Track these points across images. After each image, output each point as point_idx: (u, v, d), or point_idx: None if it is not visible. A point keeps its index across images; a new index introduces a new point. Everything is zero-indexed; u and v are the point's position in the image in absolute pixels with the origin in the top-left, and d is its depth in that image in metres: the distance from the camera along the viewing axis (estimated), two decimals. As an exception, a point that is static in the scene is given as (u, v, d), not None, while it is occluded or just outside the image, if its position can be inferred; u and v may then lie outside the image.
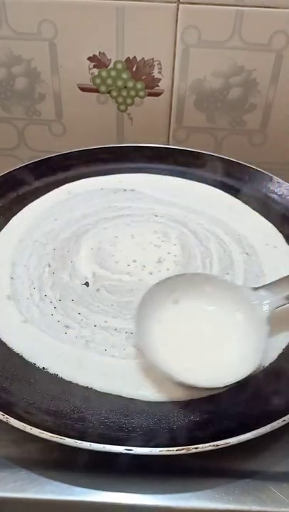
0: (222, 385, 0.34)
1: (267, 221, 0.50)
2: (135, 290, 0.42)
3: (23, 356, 0.37)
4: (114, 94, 0.61)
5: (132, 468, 0.32)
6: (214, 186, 0.54)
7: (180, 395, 0.35)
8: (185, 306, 0.39)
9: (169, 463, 0.32)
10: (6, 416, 0.32)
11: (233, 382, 0.34)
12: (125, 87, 0.60)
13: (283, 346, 0.39)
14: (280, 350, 0.38)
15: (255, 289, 0.39)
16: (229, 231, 0.49)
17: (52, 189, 0.54)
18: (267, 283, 0.40)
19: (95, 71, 0.59)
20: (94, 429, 0.33)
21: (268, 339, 0.36)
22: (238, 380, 0.34)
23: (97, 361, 0.37)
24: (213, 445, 0.31)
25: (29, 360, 0.37)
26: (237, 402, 0.35)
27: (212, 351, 0.36)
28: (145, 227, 0.49)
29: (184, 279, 0.39)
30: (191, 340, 0.37)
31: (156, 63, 0.58)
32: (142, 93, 0.61)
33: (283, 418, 0.32)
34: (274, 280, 0.39)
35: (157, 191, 0.54)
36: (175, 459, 0.31)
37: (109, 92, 0.61)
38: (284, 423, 0.32)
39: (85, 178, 0.56)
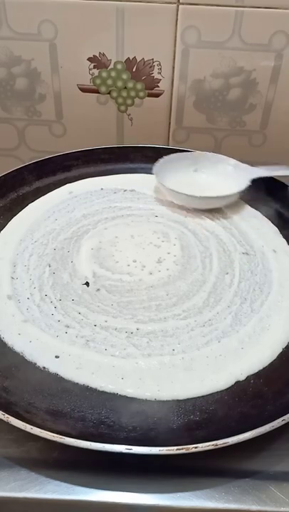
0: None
1: (267, 221, 0.50)
2: (135, 290, 0.42)
3: (24, 356, 0.37)
4: (115, 94, 0.61)
5: (132, 467, 0.32)
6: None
7: (180, 395, 0.35)
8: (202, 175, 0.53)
9: (168, 462, 0.33)
10: (7, 415, 0.32)
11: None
12: (125, 88, 0.60)
13: (283, 346, 0.39)
14: (280, 349, 0.38)
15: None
16: (229, 231, 0.49)
17: (52, 189, 0.54)
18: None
19: (95, 71, 0.59)
20: (94, 429, 0.33)
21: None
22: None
23: (97, 361, 0.37)
24: (213, 445, 0.31)
25: (29, 359, 0.37)
26: (237, 402, 0.35)
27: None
28: (145, 227, 0.49)
29: (204, 156, 0.54)
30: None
31: (156, 64, 0.58)
32: (141, 94, 0.61)
33: (283, 418, 0.32)
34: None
35: (157, 191, 0.54)
36: (175, 458, 0.31)
37: (109, 93, 0.61)
38: (284, 423, 0.32)
39: (85, 178, 0.56)
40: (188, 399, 0.35)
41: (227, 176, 0.53)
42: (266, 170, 0.52)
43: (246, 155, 0.57)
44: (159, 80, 0.60)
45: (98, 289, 0.42)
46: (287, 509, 0.31)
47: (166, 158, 0.53)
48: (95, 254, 0.46)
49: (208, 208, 0.51)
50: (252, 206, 0.52)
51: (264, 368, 0.37)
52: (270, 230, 0.49)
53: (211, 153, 0.55)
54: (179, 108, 0.61)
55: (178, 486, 0.32)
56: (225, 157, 0.54)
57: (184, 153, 0.55)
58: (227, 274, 0.44)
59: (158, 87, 0.60)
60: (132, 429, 0.33)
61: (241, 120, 0.62)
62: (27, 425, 0.32)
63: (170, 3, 0.54)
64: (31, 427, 0.31)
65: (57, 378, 0.36)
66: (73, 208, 0.51)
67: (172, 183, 0.51)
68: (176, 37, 0.56)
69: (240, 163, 0.53)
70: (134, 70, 0.59)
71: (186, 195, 0.50)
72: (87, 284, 0.43)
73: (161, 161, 0.53)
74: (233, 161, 0.53)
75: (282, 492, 0.32)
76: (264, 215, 0.51)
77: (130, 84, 0.60)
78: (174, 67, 0.58)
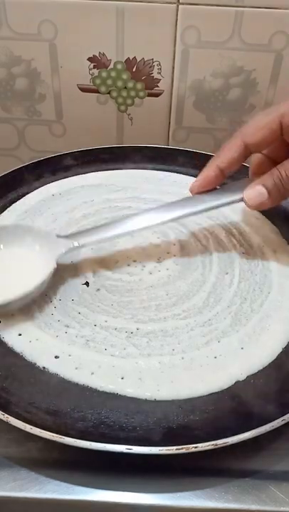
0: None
1: (267, 221, 0.50)
2: (135, 290, 0.42)
3: (24, 356, 0.37)
4: (114, 94, 0.61)
5: (132, 467, 0.32)
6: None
7: (180, 395, 0.35)
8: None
9: (168, 462, 0.33)
10: (6, 415, 0.32)
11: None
12: (125, 88, 0.60)
13: (283, 346, 0.39)
14: (280, 349, 0.38)
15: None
16: (228, 231, 0.49)
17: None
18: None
19: (95, 71, 0.59)
20: (94, 429, 0.33)
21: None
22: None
23: (97, 361, 0.37)
24: (213, 445, 0.31)
25: (29, 359, 0.37)
26: (237, 401, 0.35)
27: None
28: (145, 227, 0.49)
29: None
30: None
31: (155, 64, 0.58)
32: (141, 93, 0.61)
33: (283, 417, 0.32)
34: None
35: (157, 191, 0.54)
36: (175, 458, 0.31)
37: (109, 93, 0.61)
38: (283, 422, 0.32)
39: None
40: (188, 399, 0.35)
41: (29, 252, 0.43)
42: (72, 240, 0.43)
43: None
44: (158, 80, 0.60)
45: (98, 289, 0.42)
46: (287, 509, 0.31)
47: None
48: (94, 254, 0.46)
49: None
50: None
51: (264, 368, 0.37)
52: (270, 230, 0.49)
53: (13, 225, 0.46)
54: (179, 108, 0.61)
55: (178, 486, 0.32)
56: (31, 228, 0.45)
57: None
58: (227, 274, 0.44)
59: (158, 87, 0.60)
60: (132, 429, 0.33)
61: (241, 120, 0.62)
62: (27, 425, 0.32)
63: (170, 3, 0.54)
64: (31, 426, 0.31)
65: (57, 378, 0.36)
66: (73, 208, 0.51)
67: None
68: (176, 37, 0.56)
69: (49, 234, 0.43)
70: (134, 69, 0.59)
71: None
72: (87, 284, 0.43)
73: None
74: (42, 233, 0.44)
75: (282, 492, 0.32)
76: (263, 215, 0.51)
77: (130, 84, 0.60)
78: (173, 67, 0.59)
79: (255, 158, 0.44)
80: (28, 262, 0.42)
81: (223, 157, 0.43)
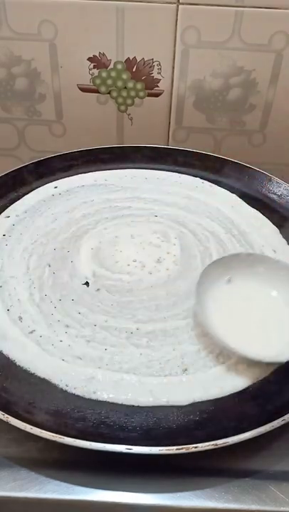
0: (284, 360, 0.34)
1: (267, 221, 0.50)
2: (135, 290, 0.42)
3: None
4: (114, 94, 0.61)
5: (132, 467, 0.32)
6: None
7: (181, 394, 0.35)
8: (238, 285, 0.41)
9: (168, 462, 0.33)
10: (6, 415, 0.32)
11: None
12: (125, 88, 0.60)
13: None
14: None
15: None
16: (228, 231, 0.49)
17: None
18: None
19: (95, 71, 0.59)
20: (94, 429, 0.33)
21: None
22: None
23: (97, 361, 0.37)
24: (213, 444, 0.31)
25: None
26: (237, 402, 0.35)
27: (264, 329, 0.38)
28: (145, 227, 0.49)
29: (238, 258, 0.41)
30: (247, 317, 0.38)
31: (156, 64, 0.58)
32: (141, 93, 0.61)
33: (283, 418, 0.32)
34: None
35: (157, 191, 0.54)
36: (175, 458, 0.31)
37: (109, 93, 0.61)
38: (284, 422, 0.32)
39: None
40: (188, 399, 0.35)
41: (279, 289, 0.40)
42: None
43: (246, 155, 0.58)
44: (158, 80, 0.60)
45: (98, 289, 0.42)
46: (287, 509, 0.31)
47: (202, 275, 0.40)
48: (94, 254, 0.46)
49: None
50: (251, 206, 0.52)
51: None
52: (270, 230, 0.49)
53: (245, 254, 0.42)
54: (179, 108, 0.61)
55: (178, 486, 0.32)
56: (265, 257, 0.42)
57: (216, 262, 0.41)
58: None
59: (158, 87, 0.60)
60: (132, 429, 0.33)
61: (241, 120, 0.62)
62: (27, 425, 0.32)
63: (170, 3, 0.54)
64: (31, 426, 0.31)
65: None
66: (73, 208, 0.51)
67: (212, 314, 0.38)
68: (176, 37, 0.56)
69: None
70: (134, 69, 0.59)
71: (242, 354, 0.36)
72: (87, 284, 0.43)
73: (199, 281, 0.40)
74: (281, 262, 0.41)
75: (282, 491, 0.32)
76: (264, 215, 0.51)
77: (130, 84, 0.60)
78: (173, 67, 0.58)
79: None
80: (273, 310, 0.38)
81: None
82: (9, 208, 0.51)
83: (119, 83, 0.60)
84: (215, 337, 0.36)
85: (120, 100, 0.61)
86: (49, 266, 0.44)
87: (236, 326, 0.37)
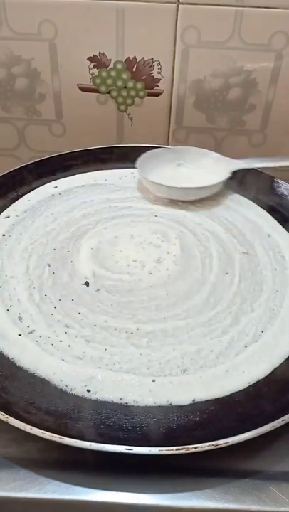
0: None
1: (267, 221, 0.50)
2: (135, 290, 0.42)
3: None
4: (114, 94, 0.61)
5: (131, 467, 0.32)
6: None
7: (181, 394, 0.35)
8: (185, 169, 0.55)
9: (168, 462, 0.32)
10: (6, 416, 0.32)
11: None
12: (125, 87, 0.60)
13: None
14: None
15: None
16: (229, 231, 0.49)
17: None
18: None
19: (95, 71, 0.59)
20: (94, 429, 0.33)
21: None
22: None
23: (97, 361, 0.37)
24: (213, 445, 0.31)
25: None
26: (237, 402, 0.35)
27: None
28: (145, 227, 0.49)
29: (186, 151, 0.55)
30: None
31: (156, 63, 0.58)
32: (141, 93, 0.61)
33: (283, 418, 0.32)
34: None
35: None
36: (175, 458, 0.31)
37: (109, 92, 0.61)
38: (284, 423, 0.32)
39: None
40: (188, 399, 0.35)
41: (209, 169, 0.54)
42: (246, 162, 0.53)
43: (246, 155, 0.57)
44: (158, 80, 0.60)
45: (98, 289, 0.42)
46: (287, 509, 0.31)
47: (149, 153, 0.54)
48: (94, 254, 0.46)
49: (190, 199, 0.52)
50: (251, 206, 0.52)
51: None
52: (270, 230, 0.49)
53: (194, 148, 0.55)
54: (179, 108, 0.61)
55: (178, 486, 0.32)
56: (207, 151, 0.55)
57: (167, 148, 0.57)
58: (227, 274, 0.44)
59: (158, 86, 0.60)
60: (132, 429, 0.33)
61: (241, 120, 0.62)
62: (27, 425, 0.32)
63: (170, 3, 0.54)
64: (31, 427, 0.31)
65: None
66: (73, 207, 0.51)
67: (155, 177, 0.52)
68: (176, 37, 0.56)
69: (222, 157, 0.54)
70: (134, 69, 0.59)
71: (166, 186, 0.51)
72: (87, 284, 0.43)
73: (144, 155, 0.54)
74: (215, 154, 0.55)
75: (282, 492, 0.32)
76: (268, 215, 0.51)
77: (130, 84, 0.60)
78: (173, 67, 0.58)
79: None
80: (206, 173, 0.53)
81: None
82: (9, 208, 0.51)
83: (119, 83, 0.60)
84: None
85: (120, 100, 0.61)
86: (49, 266, 0.44)
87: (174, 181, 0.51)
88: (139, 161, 0.53)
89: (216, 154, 0.55)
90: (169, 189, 0.51)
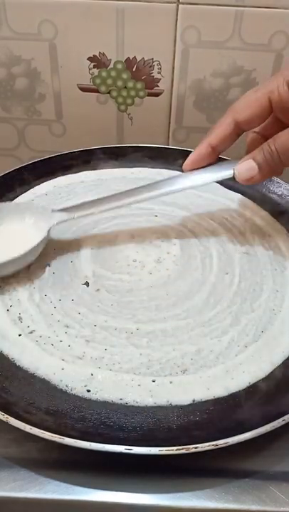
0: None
1: (267, 221, 0.50)
2: (135, 290, 0.42)
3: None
4: (114, 94, 0.61)
5: (131, 467, 0.32)
6: (214, 186, 0.55)
7: (181, 394, 0.35)
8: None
9: (168, 462, 0.33)
10: (6, 416, 0.32)
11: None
12: (125, 87, 0.60)
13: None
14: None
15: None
16: (229, 231, 0.49)
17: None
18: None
19: (95, 71, 0.59)
20: (94, 429, 0.33)
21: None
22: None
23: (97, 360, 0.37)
24: (213, 445, 0.31)
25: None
26: (237, 402, 0.35)
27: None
28: (145, 227, 0.49)
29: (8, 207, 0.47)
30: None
31: (156, 63, 0.58)
32: (141, 93, 0.61)
33: (283, 418, 0.32)
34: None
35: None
36: (175, 458, 0.31)
37: (109, 92, 0.61)
38: (284, 423, 0.32)
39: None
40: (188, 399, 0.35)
41: (26, 226, 0.45)
42: (67, 213, 0.45)
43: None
44: (158, 80, 0.60)
45: (98, 289, 0.42)
46: (287, 509, 0.31)
47: None
48: (94, 254, 0.46)
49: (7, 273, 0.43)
50: (251, 206, 0.52)
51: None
52: (272, 230, 0.49)
53: (6, 204, 0.48)
54: (179, 108, 0.61)
55: (178, 486, 0.32)
56: (27, 204, 0.48)
57: None
58: (227, 274, 0.44)
59: (158, 86, 0.60)
60: (132, 429, 0.33)
61: (241, 120, 0.62)
62: (26, 425, 0.32)
63: (170, 2, 0.54)
64: (31, 427, 0.31)
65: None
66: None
67: None
68: (176, 37, 0.56)
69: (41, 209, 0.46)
70: (134, 69, 0.59)
71: None
72: (87, 284, 0.43)
73: None
74: (35, 207, 0.47)
75: (282, 492, 0.32)
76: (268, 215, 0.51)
77: (130, 84, 0.60)
78: (173, 67, 0.59)
79: (250, 137, 0.45)
80: (23, 234, 0.44)
81: (215, 135, 0.44)
82: (9, 207, 0.51)
83: (119, 83, 0.60)
84: None
85: (120, 100, 0.61)
86: (49, 266, 0.44)
87: None
88: None
89: (34, 208, 0.46)
90: None
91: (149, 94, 0.61)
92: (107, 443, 0.31)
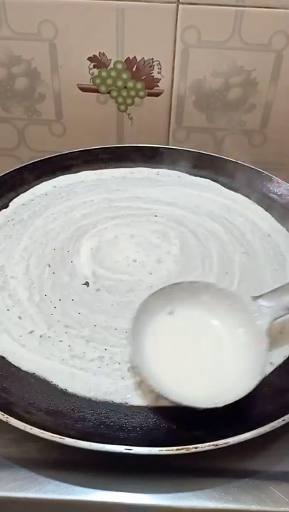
0: (220, 405, 0.31)
1: (267, 221, 0.50)
2: (135, 290, 0.42)
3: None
4: (114, 94, 0.61)
5: (131, 467, 0.32)
6: (214, 186, 0.55)
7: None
8: (180, 316, 0.37)
9: (168, 462, 0.32)
10: (6, 416, 0.32)
11: (231, 401, 0.31)
12: (125, 87, 0.60)
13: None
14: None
15: (255, 298, 0.36)
16: (229, 231, 0.49)
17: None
18: (266, 291, 0.37)
19: (95, 71, 0.59)
20: (94, 429, 0.33)
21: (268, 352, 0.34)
22: (237, 398, 0.32)
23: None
24: (213, 445, 0.31)
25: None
26: (237, 401, 0.35)
27: (209, 366, 0.35)
28: (145, 227, 0.49)
29: (180, 287, 0.38)
30: (187, 353, 0.35)
31: (156, 63, 0.58)
32: (141, 93, 0.61)
33: (283, 418, 0.32)
34: (274, 288, 0.37)
35: (157, 191, 0.54)
36: (175, 458, 0.31)
37: (109, 92, 0.61)
38: (284, 423, 0.32)
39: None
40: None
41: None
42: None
43: (246, 155, 0.57)
44: (159, 80, 0.60)
45: (98, 289, 0.42)
46: (287, 509, 0.31)
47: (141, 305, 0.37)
48: (94, 254, 0.46)
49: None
50: (251, 206, 0.52)
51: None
52: (272, 230, 0.49)
53: (189, 282, 0.39)
54: (179, 108, 0.61)
55: (178, 486, 0.32)
56: (204, 283, 0.39)
57: (155, 293, 0.38)
58: (227, 274, 0.44)
59: (158, 86, 0.60)
60: (132, 429, 0.33)
61: (241, 120, 0.62)
62: (27, 425, 0.32)
63: (170, 2, 0.54)
64: (31, 427, 0.31)
65: (57, 378, 0.36)
66: (73, 208, 0.51)
67: (149, 352, 0.35)
68: (176, 37, 0.56)
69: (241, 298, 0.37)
70: (134, 69, 0.59)
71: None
72: (87, 284, 0.43)
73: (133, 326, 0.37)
74: (224, 290, 0.38)
75: (282, 492, 0.32)
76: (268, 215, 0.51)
77: (130, 84, 0.60)
78: (173, 67, 0.58)
79: None
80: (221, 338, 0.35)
81: None
82: (9, 207, 0.51)
83: (119, 83, 0.60)
84: (150, 384, 0.33)
85: (120, 100, 0.61)
86: (49, 266, 0.44)
87: (173, 367, 0.34)
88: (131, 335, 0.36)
89: (226, 291, 0.38)
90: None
91: (149, 94, 0.61)
92: (107, 443, 0.31)
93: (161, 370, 0.34)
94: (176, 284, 0.38)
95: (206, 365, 0.35)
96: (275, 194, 0.53)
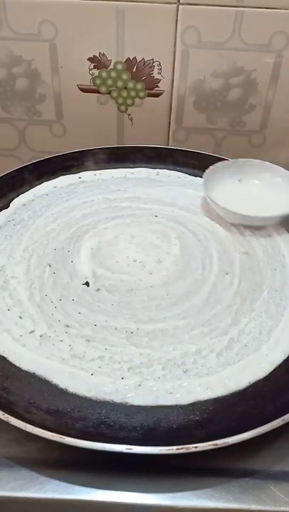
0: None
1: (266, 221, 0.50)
2: (135, 290, 0.42)
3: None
4: (115, 94, 0.61)
5: (132, 467, 0.32)
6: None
7: (181, 394, 0.35)
8: (246, 184, 0.52)
9: (168, 462, 0.33)
10: (7, 415, 0.32)
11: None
12: (125, 88, 0.60)
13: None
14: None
15: None
16: (229, 231, 0.49)
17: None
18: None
19: (95, 72, 0.59)
20: (94, 429, 0.33)
21: None
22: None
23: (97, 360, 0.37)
24: (213, 444, 0.31)
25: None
26: (237, 401, 0.35)
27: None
28: (145, 227, 0.49)
29: (250, 163, 0.52)
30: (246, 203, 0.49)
31: (156, 64, 0.58)
32: (142, 94, 0.61)
33: (283, 418, 0.32)
34: None
35: (157, 191, 0.54)
36: (175, 458, 0.31)
37: (109, 93, 0.61)
38: (283, 422, 0.32)
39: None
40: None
41: (276, 188, 0.51)
42: None
43: (246, 155, 0.57)
44: (159, 80, 0.60)
45: (98, 289, 0.42)
46: (286, 508, 0.31)
47: (211, 169, 0.51)
48: (95, 254, 0.46)
49: (261, 225, 0.49)
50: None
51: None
52: (270, 230, 0.49)
53: (257, 161, 0.52)
54: (179, 108, 0.61)
55: (178, 486, 0.32)
56: (270, 165, 0.52)
57: (227, 161, 0.53)
58: (227, 274, 0.44)
59: (158, 87, 0.60)
60: (132, 429, 0.33)
61: (241, 120, 0.62)
62: (27, 425, 0.32)
63: (170, 3, 0.54)
64: (31, 426, 0.32)
65: (57, 378, 0.36)
66: (73, 208, 0.51)
67: (220, 197, 0.49)
68: (176, 37, 0.56)
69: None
70: (134, 70, 0.59)
71: (241, 215, 0.47)
72: (87, 284, 0.43)
73: (207, 174, 0.50)
74: (282, 171, 0.51)
75: (282, 491, 0.32)
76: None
77: (130, 85, 0.60)
78: (174, 68, 0.58)
79: None
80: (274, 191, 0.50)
81: None
82: (9, 207, 0.51)
83: (120, 83, 0.60)
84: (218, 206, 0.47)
85: (120, 100, 0.61)
86: (49, 266, 0.44)
87: (238, 203, 0.47)
88: (205, 179, 0.50)
89: (283, 171, 0.51)
90: (243, 217, 0.47)
91: (149, 95, 0.61)
92: (108, 442, 0.31)
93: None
94: (247, 160, 0.52)
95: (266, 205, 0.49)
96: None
